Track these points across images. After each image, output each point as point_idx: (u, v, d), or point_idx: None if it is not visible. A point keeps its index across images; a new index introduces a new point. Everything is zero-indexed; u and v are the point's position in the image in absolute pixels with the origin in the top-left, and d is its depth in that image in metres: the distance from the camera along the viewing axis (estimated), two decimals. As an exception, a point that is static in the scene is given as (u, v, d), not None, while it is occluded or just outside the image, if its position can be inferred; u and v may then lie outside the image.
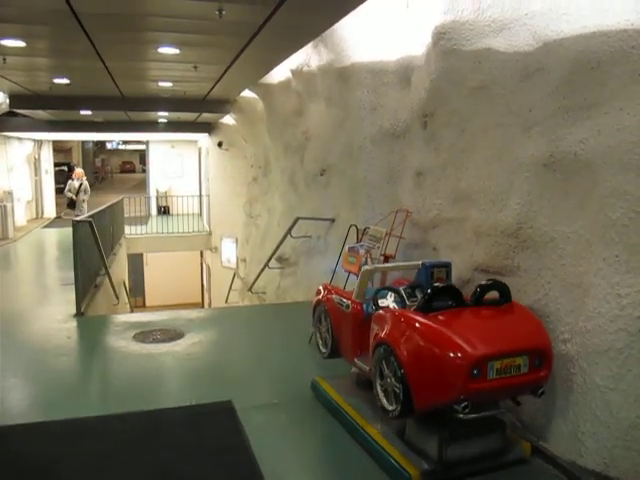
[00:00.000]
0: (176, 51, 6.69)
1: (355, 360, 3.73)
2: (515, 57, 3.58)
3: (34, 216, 17.56)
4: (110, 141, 45.68)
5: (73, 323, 6.15)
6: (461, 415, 2.78)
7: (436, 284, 3.27)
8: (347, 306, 3.75)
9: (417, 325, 2.99)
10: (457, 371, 2.73)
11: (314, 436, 3.67)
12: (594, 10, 2.97)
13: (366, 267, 3.80)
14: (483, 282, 3.28)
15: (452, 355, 2.74)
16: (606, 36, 2.90)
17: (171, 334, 5.65)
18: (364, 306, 3.68)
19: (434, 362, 2.83)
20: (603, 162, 2.93)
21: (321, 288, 4.24)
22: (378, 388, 3.22)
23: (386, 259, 4.69)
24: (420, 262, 3.73)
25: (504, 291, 3.22)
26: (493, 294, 3.26)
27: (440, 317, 3.01)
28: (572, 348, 3.09)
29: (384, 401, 3.16)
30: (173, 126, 16.08)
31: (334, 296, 3.96)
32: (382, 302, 3.66)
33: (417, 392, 2.90)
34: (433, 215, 4.49)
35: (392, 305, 3.66)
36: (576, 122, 3.12)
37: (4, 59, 7.03)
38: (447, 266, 3.71)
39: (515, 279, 3.62)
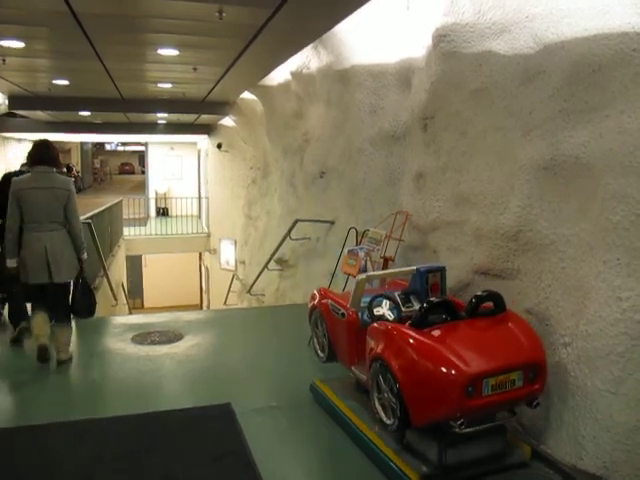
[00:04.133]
0: (176, 53, 6.69)
1: (352, 368, 3.71)
2: (516, 60, 3.58)
3: (32, 217, 17.51)
4: (109, 142, 45.74)
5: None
6: (457, 430, 2.77)
7: (431, 299, 3.22)
8: (342, 314, 3.73)
9: (411, 341, 2.96)
10: (452, 389, 2.71)
11: (314, 439, 3.66)
12: (595, 13, 2.96)
13: (360, 276, 3.76)
14: (478, 293, 3.25)
15: (447, 373, 2.73)
16: (607, 39, 2.90)
17: (170, 336, 5.63)
18: (359, 314, 3.64)
19: (429, 380, 2.82)
20: (604, 165, 2.92)
21: (316, 292, 4.20)
22: (376, 402, 3.20)
23: (386, 262, 4.68)
24: (414, 267, 3.71)
25: (498, 301, 3.19)
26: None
27: (434, 333, 2.98)
28: (573, 352, 3.08)
29: (382, 415, 3.14)
30: (172, 128, 16.11)
31: (329, 302, 3.94)
32: (377, 310, 3.58)
33: (413, 408, 2.88)
34: (433, 218, 4.48)
35: (387, 313, 3.61)
36: (577, 125, 3.11)
37: (3, 60, 7.04)
38: (441, 270, 3.68)
39: (515, 282, 3.62)
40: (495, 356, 2.87)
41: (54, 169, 4.59)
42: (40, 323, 4.57)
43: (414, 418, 2.90)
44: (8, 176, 5.13)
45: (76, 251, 4.65)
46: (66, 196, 4.51)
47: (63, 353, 4.70)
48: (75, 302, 4.86)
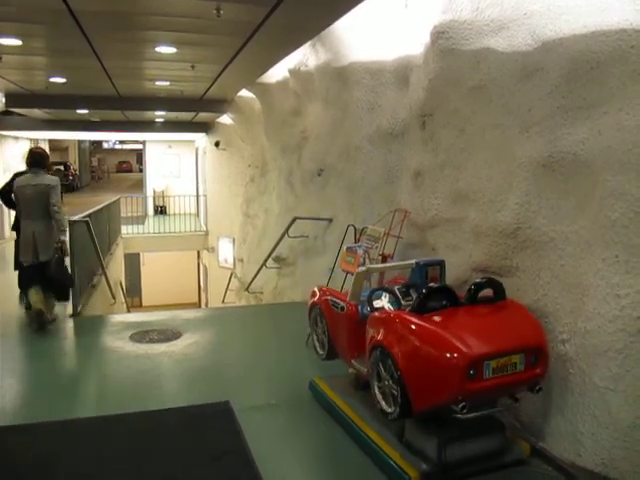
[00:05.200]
0: (173, 50, 6.67)
1: (352, 362, 3.71)
2: (514, 57, 3.57)
3: (30, 216, 17.45)
4: (107, 140, 45.64)
5: (69, 323, 6.13)
6: (459, 415, 2.78)
7: (430, 284, 3.26)
8: (342, 308, 3.74)
9: (412, 327, 2.98)
10: (453, 372, 2.72)
11: (313, 437, 3.66)
12: (593, 9, 2.96)
13: (359, 269, 3.78)
14: (477, 280, 3.27)
15: (448, 356, 2.74)
16: (605, 36, 2.90)
17: (168, 334, 5.63)
18: (359, 307, 3.66)
19: (430, 363, 2.83)
20: (603, 162, 2.92)
21: (316, 290, 4.21)
22: (376, 390, 3.21)
23: (384, 259, 4.68)
24: (413, 261, 3.73)
25: (498, 288, 3.22)
26: (487, 291, 3.26)
27: (435, 318, 3.01)
28: (571, 348, 3.08)
29: (382, 403, 3.15)
30: (170, 126, 16.09)
31: (329, 298, 3.95)
32: (377, 303, 3.62)
33: (415, 394, 2.89)
34: (431, 215, 4.48)
35: (387, 305, 3.64)
36: (575, 122, 3.11)
37: (0, 58, 7.00)
38: (440, 264, 3.71)
39: (514, 279, 3.62)
40: (496, 339, 2.89)
41: (44, 170, 5.77)
42: (35, 294, 5.74)
43: (415, 403, 2.90)
44: (16, 175, 6.33)
45: (57, 233, 5.66)
46: (49, 190, 5.57)
47: (49, 313, 5.88)
48: (53, 281, 5.75)
